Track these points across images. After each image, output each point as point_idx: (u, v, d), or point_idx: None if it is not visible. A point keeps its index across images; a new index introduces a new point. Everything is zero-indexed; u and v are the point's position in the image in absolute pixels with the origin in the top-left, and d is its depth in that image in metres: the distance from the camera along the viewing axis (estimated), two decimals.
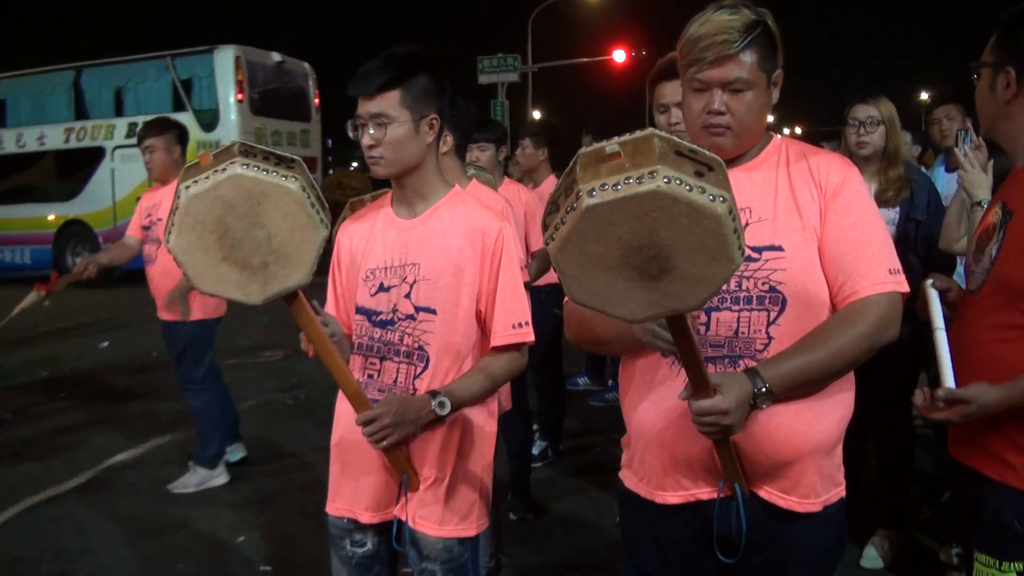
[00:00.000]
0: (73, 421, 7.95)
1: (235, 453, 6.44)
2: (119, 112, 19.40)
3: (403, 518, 2.69)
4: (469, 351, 2.70)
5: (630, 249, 1.73)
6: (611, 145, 1.73)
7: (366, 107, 2.59)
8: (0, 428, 7.92)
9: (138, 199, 6.66)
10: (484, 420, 2.78)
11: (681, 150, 1.73)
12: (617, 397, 6.95)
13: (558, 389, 6.38)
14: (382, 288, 2.71)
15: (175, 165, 6.03)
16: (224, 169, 2.13)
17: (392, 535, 2.76)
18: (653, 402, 2.30)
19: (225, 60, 18.16)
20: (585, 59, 38.30)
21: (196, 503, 5.85)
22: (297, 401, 8.42)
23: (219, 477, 6.15)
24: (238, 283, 2.22)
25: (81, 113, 19.76)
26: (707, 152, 1.76)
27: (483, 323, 2.69)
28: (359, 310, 2.75)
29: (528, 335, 2.69)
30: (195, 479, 6.10)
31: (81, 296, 17.40)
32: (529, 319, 2.70)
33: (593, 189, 1.68)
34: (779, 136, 2.38)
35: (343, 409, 2.81)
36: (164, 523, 5.55)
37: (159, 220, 5.92)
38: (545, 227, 1.79)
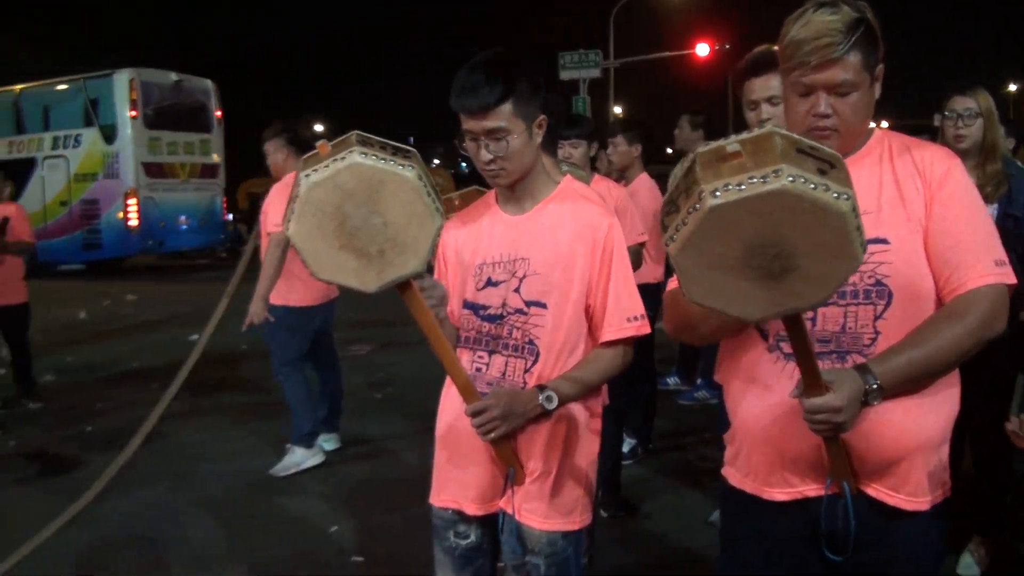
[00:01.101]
0: (165, 411, 8.12)
1: (330, 443, 6.53)
2: (46, 127, 22.49)
3: (508, 511, 2.70)
4: (577, 345, 2.69)
5: (752, 248, 1.72)
6: (731, 144, 1.72)
7: (480, 124, 2.56)
8: (92, 417, 8.14)
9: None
10: (590, 415, 2.78)
11: (802, 147, 1.72)
12: (707, 396, 6.94)
13: (649, 387, 6.35)
14: (490, 283, 2.72)
15: (285, 166, 6.35)
16: (343, 158, 2.17)
17: (495, 528, 2.78)
18: (759, 398, 2.28)
19: (121, 82, 20.98)
20: (667, 53, 38.01)
21: (287, 492, 5.97)
22: (384, 395, 8.52)
23: (315, 457, 6.30)
24: (355, 270, 2.24)
25: (20, 128, 22.75)
26: (827, 149, 1.76)
27: (592, 317, 2.69)
28: (466, 305, 2.77)
29: (643, 328, 2.68)
30: (293, 460, 6.26)
31: (167, 290, 17.86)
32: (644, 312, 2.69)
33: (716, 189, 1.68)
34: (880, 129, 2.35)
35: (449, 400, 2.84)
36: (255, 511, 5.68)
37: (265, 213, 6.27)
38: (664, 228, 1.79)
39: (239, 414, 7.89)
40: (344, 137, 2.25)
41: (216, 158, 23.44)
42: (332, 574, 4.78)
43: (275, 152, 6.35)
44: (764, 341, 2.29)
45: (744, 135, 1.73)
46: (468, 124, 2.60)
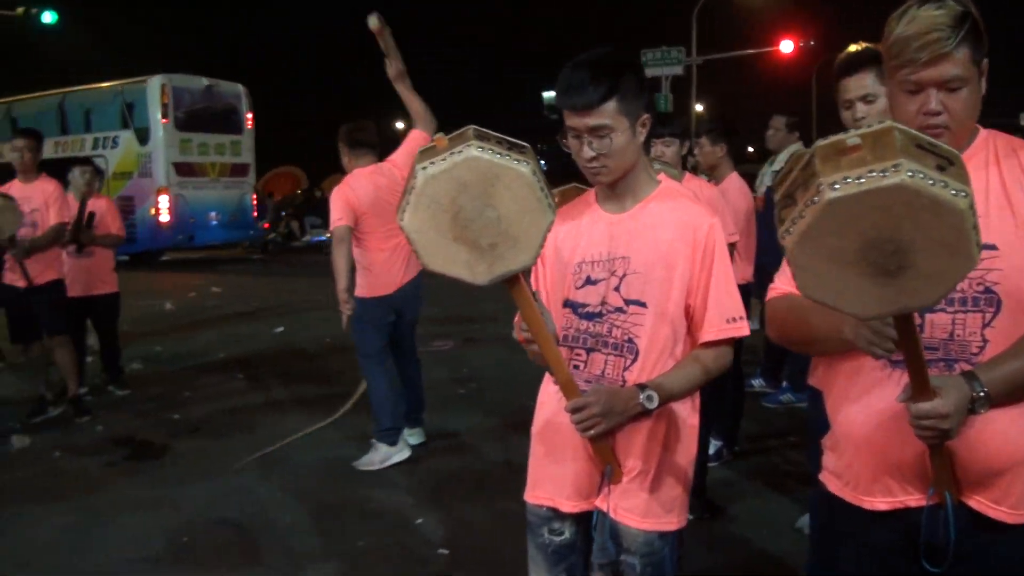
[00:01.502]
0: (250, 401, 8.25)
1: (414, 437, 6.58)
2: (88, 129, 24.05)
3: (604, 509, 2.69)
4: (677, 345, 2.67)
5: (868, 244, 1.69)
6: (851, 138, 1.70)
7: (584, 121, 2.56)
8: (181, 405, 8.29)
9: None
10: (689, 415, 2.76)
11: (921, 143, 1.70)
12: (791, 399, 6.84)
13: (736, 389, 6.28)
14: (589, 281, 2.71)
15: (347, 164, 6.42)
16: (460, 151, 2.17)
17: (590, 525, 2.76)
18: (862, 404, 2.24)
19: (153, 88, 22.38)
20: (751, 51, 37.63)
21: (373, 484, 6.01)
22: (468, 390, 8.54)
23: (400, 453, 6.33)
24: (466, 262, 2.25)
25: (64, 130, 24.28)
26: (945, 146, 1.73)
27: (691, 317, 2.67)
28: (565, 303, 2.76)
29: (743, 329, 2.65)
30: (378, 456, 6.30)
31: (253, 283, 18.15)
32: (744, 313, 2.67)
33: (835, 182, 1.66)
34: (985, 130, 2.30)
35: (547, 396, 2.83)
36: (342, 502, 5.72)
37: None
38: (780, 221, 1.77)
39: (323, 405, 7.97)
40: (461, 131, 2.26)
41: (246, 158, 24.72)
42: (419, 566, 4.79)
43: (343, 154, 6.45)
44: None
45: (864, 129, 1.71)
46: (572, 121, 2.59)
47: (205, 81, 23.88)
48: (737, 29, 43.09)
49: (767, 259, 6.18)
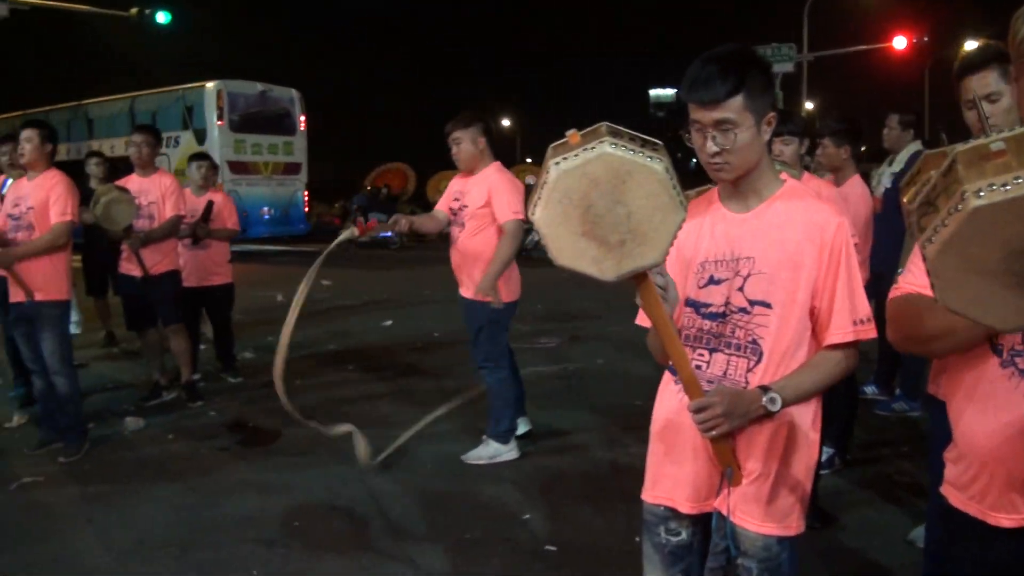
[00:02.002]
0: (360, 392, 8.37)
1: (522, 426, 6.63)
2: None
3: (723, 511, 2.67)
4: (801, 347, 2.64)
5: (1013, 253, 1.65)
6: (994, 142, 1.65)
7: (709, 115, 2.56)
8: (292, 394, 8.37)
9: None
10: (811, 419, 2.72)
11: None
12: (904, 408, 6.67)
13: (850, 395, 6.14)
14: (712, 281, 2.69)
15: (481, 156, 6.31)
16: (593, 147, 2.17)
17: (707, 527, 2.76)
18: (989, 416, 2.19)
19: (210, 93, 24.54)
20: (863, 47, 36.91)
21: (482, 478, 6.06)
22: (573, 388, 8.54)
23: (510, 452, 6.35)
24: (595, 258, 2.24)
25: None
26: None
27: (817, 319, 2.63)
28: (687, 302, 2.75)
29: (870, 332, 2.61)
30: (487, 452, 6.34)
31: (362, 277, 18.39)
32: (870, 315, 2.62)
33: (980, 189, 1.61)
34: None
35: (667, 395, 2.83)
36: (450, 494, 5.78)
37: (465, 207, 6.29)
38: (921, 229, 1.74)
39: (433, 398, 8.04)
40: (594, 127, 2.26)
41: (298, 157, 26.59)
42: (527, 561, 4.81)
43: (471, 141, 6.37)
44: (996, 356, 2.19)
45: (1007, 133, 1.66)
46: (697, 115, 2.59)
47: (259, 86, 26.01)
48: (849, 25, 42.30)
49: (882, 263, 6.05)
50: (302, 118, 26.72)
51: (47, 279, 6.55)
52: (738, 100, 2.53)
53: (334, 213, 31.20)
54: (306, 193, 27.08)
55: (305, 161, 26.72)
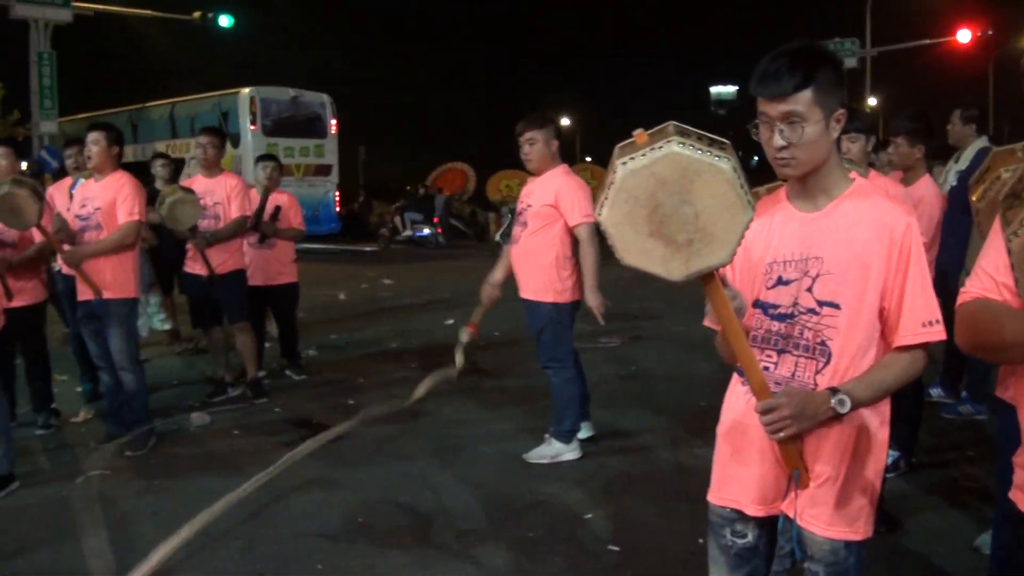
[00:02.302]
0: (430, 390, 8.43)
1: (585, 431, 6.61)
2: (192, 133, 24.85)
3: (790, 514, 2.65)
4: (870, 348, 2.61)
5: None
6: None
7: (777, 108, 2.54)
8: (356, 391, 8.54)
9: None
10: (879, 422, 2.69)
11: None
12: (971, 411, 6.56)
13: (915, 398, 6.05)
14: (781, 281, 2.67)
15: (551, 158, 6.32)
16: (661, 147, 2.17)
17: (773, 529, 2.74)
18: None
19: (243, 99, 25.27)
20: (926, 41, 36.39)
21: (545, 477, 6.06)
22: (636, 388, 8.51)
23: (572, 452, 6.35)
24: (662, 258, 2.24)
25: (174, 134, 27.28)
26: None
27: (886, 320, 2.60)
28: (755, 303, 2.72)
29: (939, 334, 2.56)
30: (550, 451, 6.34)
31: (424, 276, 18.51)
32: (939, 316, 2.57)
33: None
34: None
35: (735, 397, 2.81)
36: (513, 492, 5.79)
37: (529, 207, 6.30)
38: (1006, 222, 1.72)
39: (495, 397, 8.11)
40: (661, 127, 2.26)
41: (329, 159, 27.13)
42: (589, 561, 4.80)
43: (546, 142, 6.37)
44: None
45: None
46: (764, 108, 2.57)
47: (291, 92, 26.69)
48: (911, 19, 41.63)
49: (947, 261, 5.93)
50: (333, 121, 27.50)
51: (115, 277, 6.68)
52: (807, 94, 2.51)
53: (392, 212, 31.50)
54: (337, 193, 27.79)
55: (336, 163, 27.40)
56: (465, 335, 6.54)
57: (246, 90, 25.62)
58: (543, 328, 6.32)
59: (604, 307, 6.19)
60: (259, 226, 8.57)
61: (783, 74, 2.51)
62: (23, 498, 5.91)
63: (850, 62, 32.87)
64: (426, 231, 28.92)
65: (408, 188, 34.93)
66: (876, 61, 37.10)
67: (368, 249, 27.50)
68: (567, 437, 6.35)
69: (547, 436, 6.46)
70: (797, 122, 2.52)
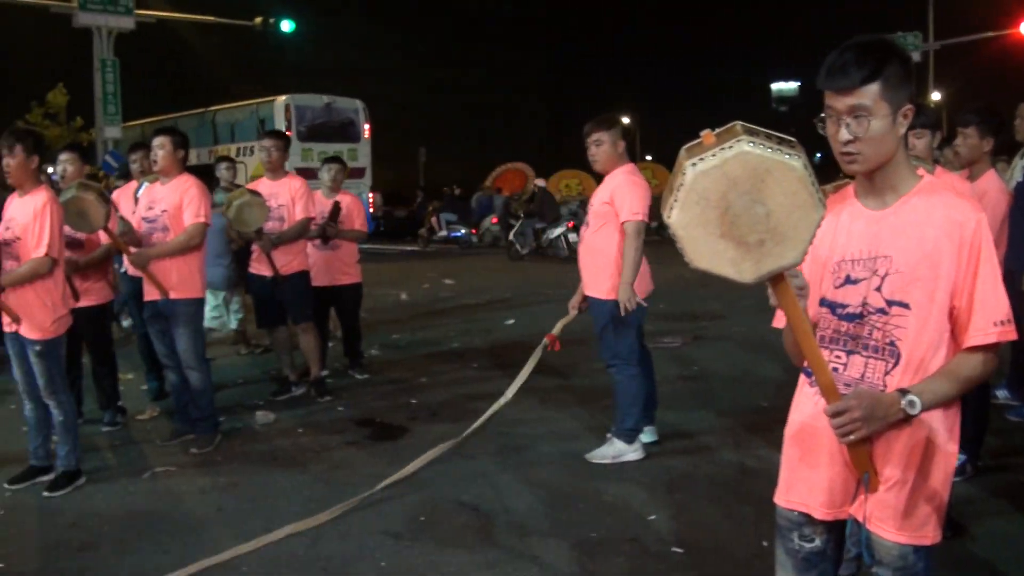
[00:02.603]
0: (485, 389, 8.40)
1: (647, 435, 6.59)
2: (232, 139, 28.16)
3: (859, 518, 2.62)
4: (940, 349, 2.57)
5: None
6: None
7: (844, 101, 2.51)
8: (418, 390, 8.59)
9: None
10: (950, 424, 2.64)
11: None
12: None
13: (981, 400, 5.93)
14: (849, 280, 2.64)
15: (618, 158, 6.34)
16: (731, 147, 2.15)
17: (841, 533, 2.71)
18: None
19: (279, 106, 26.54)
20: (990, 34, 35.77)
21: (607, 477, 6.04)
22: (698, 388, 8.46)
23: (634, 452, 6.33)
24: (732, 260, 2.22)
25: (216, 140, 28.51)
26: None
27: (956, 320, 2.55)
28: (823, 302, 2.69)
29: (1010, 333, 2.51)
30: (612, 451, 6.34)
31: (484, 276, 18.57)
32: (1011, 316, 2.52)
33: None
34: None
35: (803, 399, 2.78)
36: (575, 492, 5.78)
37: (592, 206, 6.39)
38: None
39: (557, 397, 8.11)
40: (728, 126, 2.24)
41: (362, 163, 27.90)
42: (652, 563, 4.78)
43: (612, 143, 6.37)
44: None
45: None
46: (831, 101, 2.55)
47: (325, 99, 27.91)
48: (974, 11, 40.87)
49: (1013, 259, 5.81)
50: (366, 126, 28.45)
51: (181, 278, 6.80)
52: (874, 87, 2.49)
53: (430, 213, 31.97)
54: (372, 195, 28.64)
55: (369, 165, 28.15)
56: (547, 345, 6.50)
57: (281, 98, 26.87)
58: (605, 325, 6.32)
59: (632, 305, 6.11)
60: (323, 228, 8.69)
61: (851, 67, 2.49)
62: (90, 494, 6.03)
63: (913, 56, 32.49)
64: (461, 231, 29.26)
65: (444, 190, 35.31)
66: (939, 55, 36.64)
67: (409, 249, 27.87)
68: (629, 436, 6.33)
69: (609, 436, 6.45)
70: (864, 116, 2.50)
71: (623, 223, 6.15)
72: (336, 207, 8.84)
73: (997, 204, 5.79)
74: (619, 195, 6.19)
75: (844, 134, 2.53)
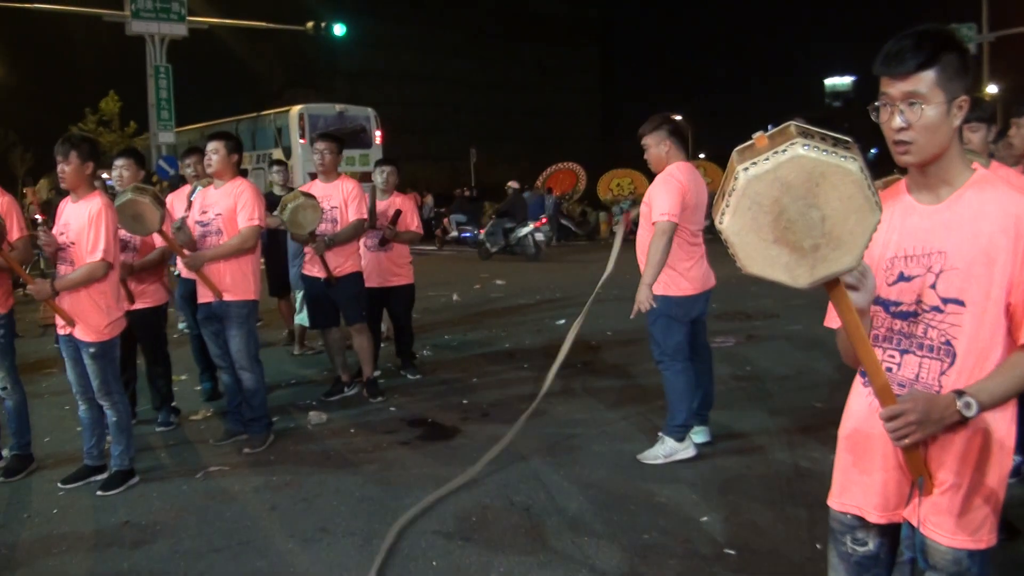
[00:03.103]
0: (535, 389, 8.42)
1: (700, 435, 6.54)
2: (253, 147, 29.29)
3: (913, 522, 2.58)
4: (996, 347, 2.51)
5: None
6: None
7: (899, 87, 2.48)
8: (470, 391, 8.61)
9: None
10: (1007, 426, 2.58)
11: None
12: None
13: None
14: (902, 278, 2.59)
15: (665, 158, 6.35)
16: (785, 150, 2.12)
17: (895, 537, 2.67)
18: None
19: (293, 116, 28.59)
20: None
21: (659, 478, 6.00)
22: (752, 389, 8.38)
23: (686, 450, 6.29)
24: (787, 265, 2.19)
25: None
26: None
27: (1012, 317, 2.49)
28: (875, 300, 2.64)
29: None
30: (663, 450, 6.30)
31: (534, 277, 18.56)
32: None
33: None
34: None
35: (857, 400, 2.74)
36: (627, 493, 5.75)
37: (644, 205, 6.34)
38: None
39: (609, 397, 8.09)
40: (782, 128, 2.21)
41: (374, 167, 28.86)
42: (705, 565, 4.74)
43: (656, 145, 6.37)
44: None
45: None
46: (886, 87, 2.51)
47: (338, 108, 29.81)
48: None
49: None
50: (378, 133, 30.00)
51: (235, 280, 6.87)
52: (930, 74, 2.45)
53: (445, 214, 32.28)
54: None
55: None
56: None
57: (296, 108, 28.81)
58: (654, 322, 6.31)
59: (646, 306, 6.10)
60: (379, 228, 8.77)
61: (907, 53, 2.46)
62: (143, 493, 6.11)
63: (970, 49, 32.06)
64: (470, 232, 29.54)
65: (456, 191, 35.49)
66: (994, 47, 36.05)
67: (429, 248, 28.03)
68: (680, 433, 6.30)
69: (660, 434, 6.42)
70: (918, 103, 2.46)
71: (652, 223, 6.15)
72: (397, 213, 8.94)
73: None
74: (652, 195, 6.22)
75: (898, 121, 2.49)
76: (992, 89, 37.81)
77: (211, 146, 7.02)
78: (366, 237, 8.84)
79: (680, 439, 6.30)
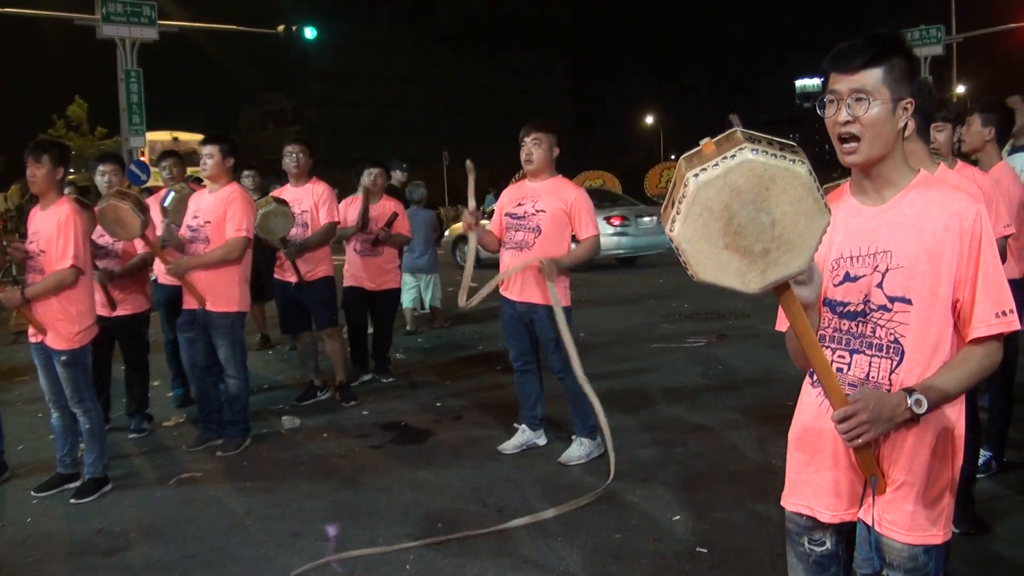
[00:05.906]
0: (509, 392, 8.41)
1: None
2: None
3: (867, 521, 2.61)
4: (944, 344, 2.55)
5: None
6: None
7: (846, 83, 2.54)
8: (443, 394, 8.69)
9: None
10: (956, 420, 2.63)
11: None
12: None
13: (1004, 393, 5.87)
14: (848, 278, 2.63)
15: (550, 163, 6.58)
16: (734, 155, 2.12)
17: (851, 536, 2.70)
18: None
19: None
20: (1013, 25, 35.48)
21: (630, 478, 6.02)
22: (723, 388, 8.45)
23: (599, 447, 6.46)
24: (737, 271, 2.19)
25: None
26: None
27: (959, 313, 2.54)
28: (823, 301, 2.68)
29: (1013, 324, 2.50)
30: (583, 451, 6.48)
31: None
32: (1013, 307, 2.51)
33: None
34: None
35: (807, 400, 2.78)
36: (601, 494, 5.75)
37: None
38: None
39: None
40: (728, 133, 2.22)
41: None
42: (677, 563, 4.78)
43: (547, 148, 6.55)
44: None
45: None
46: (834, 84, 2.58)
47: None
48: (997, 2, 40.49)
49: None
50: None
51: (217, 291, 6.89)
52: (877, 72, 2.52)
53: None
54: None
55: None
56: None
57: None
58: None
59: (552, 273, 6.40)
60: (371, 232, 8.91)
61: (856, 51, 2.54)
62: (117, 500, 6.11)
63: (936, 49, 32.47)
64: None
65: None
66: (962, 48, 36.37)
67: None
68: (593, 432, 6.46)
69: (576, 437, 6.55)
70: (865, 98, 2.53)
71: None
72: (394, 216, 9.03)
73: (1012, 191, 5.74)
74: (581, 210, 6.60)
75: (844, 114, 2.55)
76: (961, 89, 38.15)
77: (206, 150, 7.01)
78: (356, 241, 8.89)
79: (594, 437, 6.45)
